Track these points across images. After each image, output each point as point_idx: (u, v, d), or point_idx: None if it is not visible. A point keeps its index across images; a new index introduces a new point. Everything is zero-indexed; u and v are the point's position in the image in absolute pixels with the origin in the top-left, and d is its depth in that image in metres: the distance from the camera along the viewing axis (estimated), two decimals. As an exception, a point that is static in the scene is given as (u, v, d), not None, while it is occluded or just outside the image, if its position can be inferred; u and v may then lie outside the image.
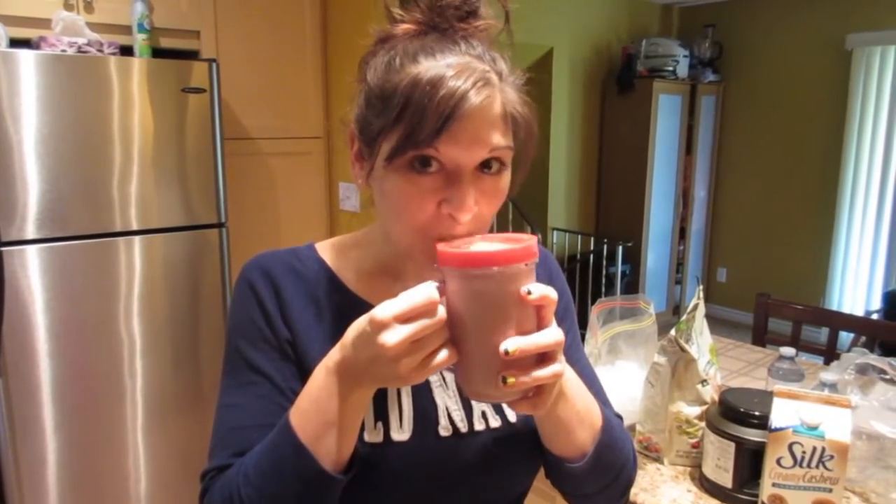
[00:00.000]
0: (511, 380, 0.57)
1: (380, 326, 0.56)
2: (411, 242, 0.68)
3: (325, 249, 0.82)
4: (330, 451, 0.64)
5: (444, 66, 0.64)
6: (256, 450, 0.68)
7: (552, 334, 0.58)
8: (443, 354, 0.58)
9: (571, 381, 0.71)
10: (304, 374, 0.74)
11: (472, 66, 0.65)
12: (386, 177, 0.67)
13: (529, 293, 0.57)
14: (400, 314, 0.56)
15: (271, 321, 0.75)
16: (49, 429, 2.10)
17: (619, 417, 0.86)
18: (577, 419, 0.71)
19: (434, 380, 0.78)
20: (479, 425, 0.78)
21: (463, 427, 0.77)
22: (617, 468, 0.77)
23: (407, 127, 0.63)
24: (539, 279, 0.77)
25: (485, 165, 0.66)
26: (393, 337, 0.56)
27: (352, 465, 0.67)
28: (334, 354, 0.63)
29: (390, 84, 0.65)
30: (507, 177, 0.69)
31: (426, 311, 0.56)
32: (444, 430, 0.77)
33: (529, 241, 0.59)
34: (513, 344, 0.56)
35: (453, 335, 0.59)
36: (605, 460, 0.75)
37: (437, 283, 0.59)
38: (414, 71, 0.64)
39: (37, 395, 2.07)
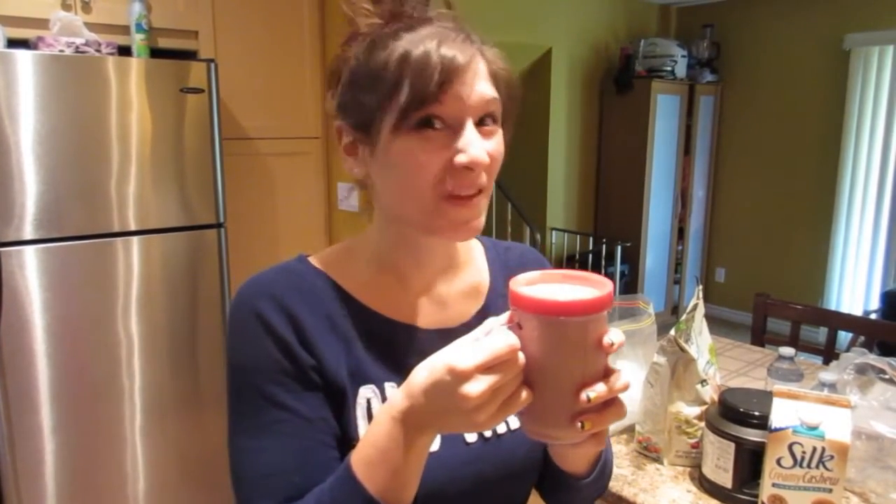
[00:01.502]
0: (588, 424, 0.58)
1: (462, 377, 0.55)
2: (425, 205, 0.69)
3: (321, 261, 0.78)
4: (398, 499, 0.62)
5: (426, 35, 0.67)
6: (318, 499, 0.64)
7: (623, 379, 0.60)
8: (521, 400, 0.58)
9: None
10: (334, 397, 0.71)
11: (451, 33, 0.69)
12: (392, 145, 0.68)
13: (612, 344, 0.58)
14: (482, 364, 0.55)
15: (290, 350, 0.70)
16: (47, 429, 2.09)
17: None
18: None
19: None
20: (500, 428, 0.77)
21: (487, 432, 0.77)
22: (607, 476, 0.81)
23: (410, 90, 0.65)
24: None
25: (481, 122, 0.69)
26: (476, 388, 0.55)
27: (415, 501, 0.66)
28: (400, 402, 0.60)
29: (378, 60, 0.68)
30: (501, 136, 0.72)
31: (508, 359, 0.56)
32: (471, 436, 0.76)
33: (606, 286, 0.59)
34: (594, 391, 0.57)
35: (527, 377, 0.58)
36: (604, 472, 0.78)
37: (511, 326, 0.58)
38: (401, 43, 0.67)
39: (34, 395, 2.06)
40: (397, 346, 0.76)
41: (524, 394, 0.58)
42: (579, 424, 0.57)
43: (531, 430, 0.61)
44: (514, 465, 0.77)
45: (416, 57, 0.66)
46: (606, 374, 0.59)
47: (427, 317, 0.79)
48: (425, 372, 0.58)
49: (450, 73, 0.65)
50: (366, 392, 0.73)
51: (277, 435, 0.68)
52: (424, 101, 0.65)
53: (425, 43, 0.66)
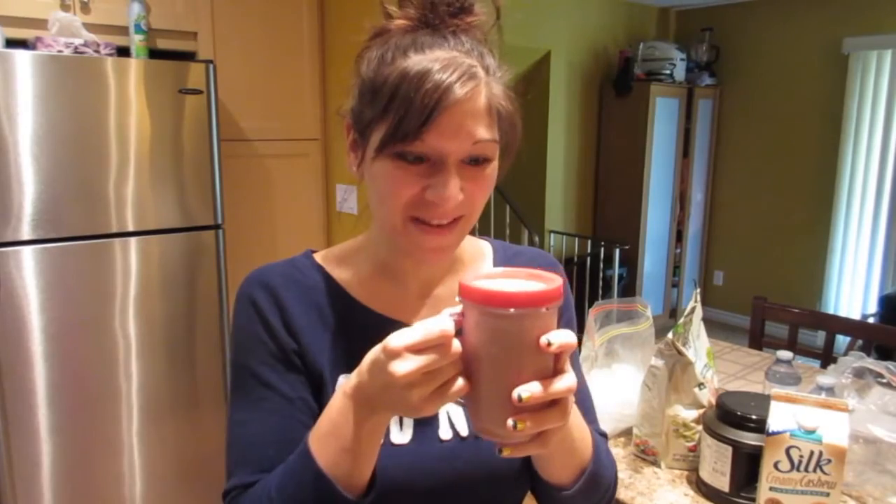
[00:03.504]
0: (521, 425, 0.56)
1: (392, 355, 0.56)
2: (395, 224, 0.71)
3: (324, 257, 0.83)
4: (348, 476, 0.64)
5: (431, 59, 0.66)
6: (279, 471, 0.69)
7: (567, 381, 0.57)
8: (455, 387, 0.58)
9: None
10: (313, 382, 0.76)
11: (458, 60, 0.67)
12: (374, 162, 0.70)
13: (550, 344, 0.56)
14: (412, 345, 0.56)
15: (275, 333, 0.76)
16: (44, 431, 2.09)
17: (604, 435, 0.88)
18: (570, 449, 0.72)
19: None
20: None
21: (464, 431, 0.77)
22: (601, 492, 0.79)
23: (394, 120, 0.66)
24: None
25: (472, 161, 0.69)
26: (403, 367, 0.56)
27: (370, 489, 0.67)
28: (351, 379, 0.63)
29: (380, 77, 0.68)
30: (493, 167, 0.72)
31: (439, 343, 0.56)
32: (445, 433, 0.77)
33: (554, 282, 0.57)
34: (527, 391, 0.55)
35: (467, 368, 0.58)
36: (592, 487, 0.76)
37: (455, 315, 0.58)
38: (403, 65, 0.67)
39: (31, 396, 2.06)
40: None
41: (459, 382, 0.58)
42: (511, 423, 0.56)
43: (475, 425, 0.61)
44: (494, 468, 0.77)
45: (407, 86, 0.65)
46: (555, 374, 0.58)
47: (422, 315, 0.80)
48: (370, 353, 0.61)
49: (437, 111, 0.65)
50: (344, 381, 0.74)
51: (260, 411, 0.74)
52: (405, 138, 0.66)
53: (423, 71, 0.65)
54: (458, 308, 0.59)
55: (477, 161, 0.69)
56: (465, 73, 0.66)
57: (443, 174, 0.67)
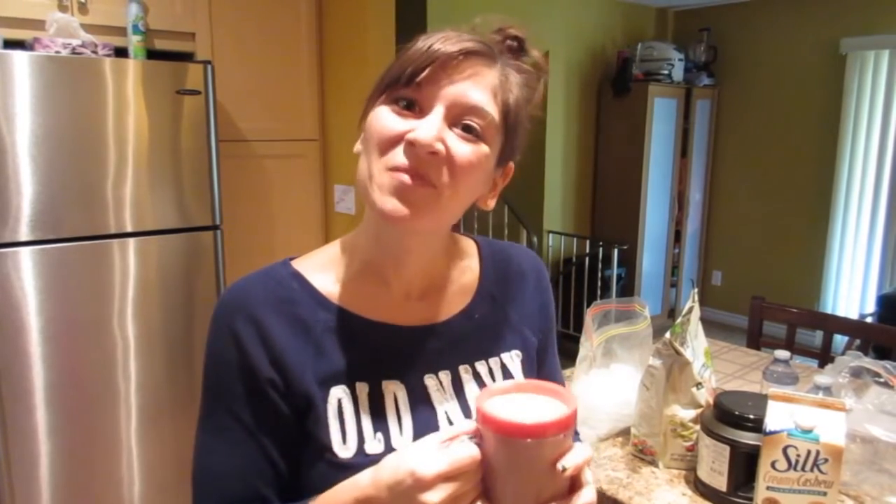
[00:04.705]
0: None
1: (422, 485, 0.57)
2: (371, 171, 0.69)
3: (304, 264, 0.80)
4: None
5: (455, 31, 0.71)
6: None
7: (584, 497, 0.60)
8: None
9: None
10: (298, 405, 0.73)
11: (469, 37, 0.70)
12: (371, 113, 0.72)
13: (564, 469, 0.58)
14: (444, 473, 0.57)
15: (254, 367, 0.72)
16: (42, 432, 2.08)
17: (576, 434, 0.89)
18: None
19: (432, 385, 0.78)
20: None
21: None
22: None
23: (395, 70, 0.69)
24: (525, 290, 0.73)
25: (463, 128, 0.69)
26: (435, 497, 0.57)
27: None
28: (365, 487, 0.63)
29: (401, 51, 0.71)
30: (483, 151, 0.71)
31: (468, 471, 0.58)
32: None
33: (570, 407, 0.60)
34: None
35: (485, 486, 0.60)
36: None
37: (475, 438, 0.60)
38: (422, 37, 0.70)
39: (29, 398, 2.05)
40: (373, 346, 0.76)
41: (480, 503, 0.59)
42: None
43: None
44: None
45: (414, 47, 0.69)
46: (572, 490, 0.60)
47: (408, 315, 0.79)
48: (390, 470, 0.60)
49: (433, 62, 0.67)
50: (337, 392, 0.74)
51: (227, 441, 0.73)
52: (400, 81, 0.68)
53: (437, 34, 0.69)
54: (471, 426, 0.61)
55: (468, 130, 0.69)
56: (470, 40, 0.70)
57: (427, 117, 0.68)
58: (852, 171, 4.71)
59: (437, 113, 0.68)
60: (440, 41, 0.68)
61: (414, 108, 0.69)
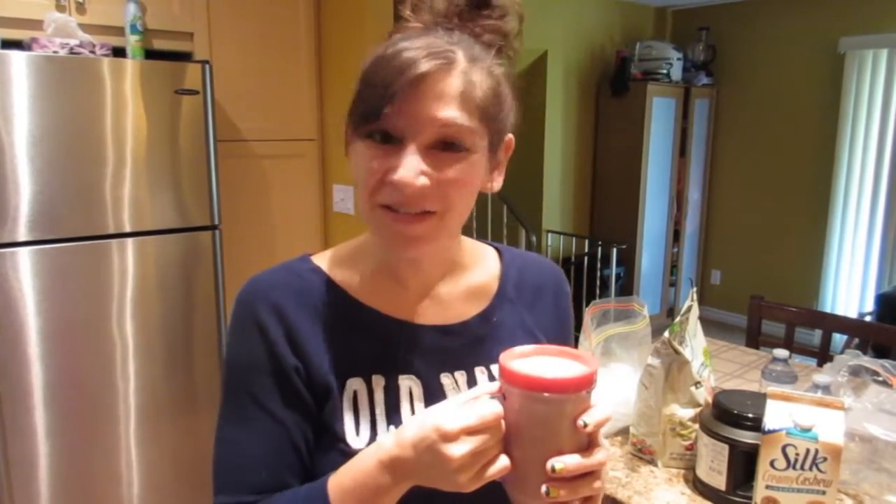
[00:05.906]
0: (554, 492, 0.60)
1: (447, 438, 0.58)
2: (365, 209, 0.71)
3: (323, 259, 0.81)
4: None
5: (410, 45, 0.67)
6: (287, 501, 0.69)
7: (600, 454, 0.62)
8: (499, 465, 0.60)
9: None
10: (318, 393, 0.74)
11: (435, 44, 0.67)
12: (352, 146, 0.72)
13: (585, 425, 0.60)
14: (469, 428, 0.58)
15: (279, 355, 0.73)
16: (41, 432, 2.08)
17: None
18: None
19: (447, 383, 0.78)
20: None
21: None
22: None
23: (363, 102, 0.67)
24: (545, 300, 0.75)
25: (444, 147, 0.68)
26: (460, 450, 0.58)
27: None
28: (390, 448, 0.63)
29: (367, 63, 0.69)
30: (473, 161, 0.70)
31: (492, 426, 0.59)
32: None
33: (592, 366, 0.62)
34: (560, 463, 0.59)
35: (506, 444, 0.61)
36: None
37: (496, 394, 0.62)
38: (387, 51, 0.67)
39: (28, 398, 2.05)
40: (390, 341, 0.77)
41: (503, 460, 0.60)
42: (544, 489, 0.60)
43: (512, 497, 0.64)
44: None
45: (374, 68, 0.67)
46: (590, 447, 0.62)
47: (425, 315, 0.80)
48: (415, 427, 0.61)
49: (397, 89, 0.65)
50: (353, 384, 0.75)
51: (255, 432, 0.73)
52: (368, 117, 0.67)
53: (393, 53, 0.66)
54: (494, 386, 0.62)
55: (449, 147, 0.68)
56: (433, 53, 0.66)
57: (401, 155, 0.66)
58: (851, 169, 4.71)
59: (412, 147, 0.66)
60: (395, 70, 0.65)
61: (391, 139, 0.67)
